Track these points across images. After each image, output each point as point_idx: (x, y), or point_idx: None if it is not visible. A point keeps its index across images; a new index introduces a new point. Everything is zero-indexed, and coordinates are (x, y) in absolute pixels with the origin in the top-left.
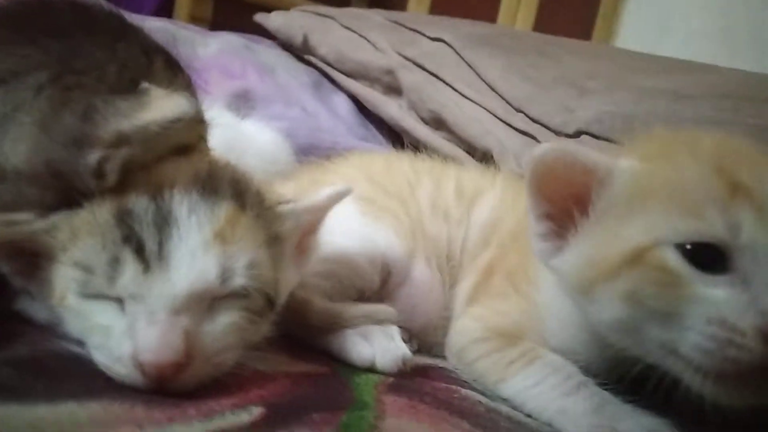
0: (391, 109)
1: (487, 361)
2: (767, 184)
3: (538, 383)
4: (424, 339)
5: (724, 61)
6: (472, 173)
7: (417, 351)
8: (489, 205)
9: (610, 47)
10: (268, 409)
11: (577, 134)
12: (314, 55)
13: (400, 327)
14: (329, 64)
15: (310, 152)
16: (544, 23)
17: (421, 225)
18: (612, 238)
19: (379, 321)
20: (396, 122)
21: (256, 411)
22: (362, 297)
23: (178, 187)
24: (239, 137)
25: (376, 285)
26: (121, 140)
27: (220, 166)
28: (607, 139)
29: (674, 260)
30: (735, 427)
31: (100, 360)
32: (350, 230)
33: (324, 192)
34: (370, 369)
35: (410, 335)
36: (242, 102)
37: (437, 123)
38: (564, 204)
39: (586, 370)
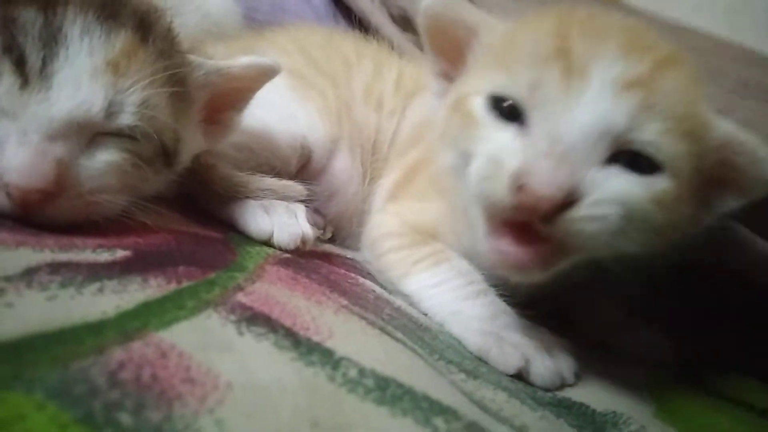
0: (363, 1)
1: (396, 255)
2: (592, 52)
3: (440, 284)
4: (338, 227)
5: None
6: (417, 69)
7: (331, 240)
8: (428, 103)
9: None
10: (135, 254)
11: None
12: None
13: (315, 211)
14: None
15: (266, 24)
16: None
17: (349, 110)
18: (464, 80)
19: (286, 197)
20: (365, 16)
21: (121, 254)
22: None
23: (74, 4)
24: None
25: (292, 167)
26: None
27: None
28: None
29: (478, 106)
30: None
31: None
32: (273, 104)
33: (243, 59)
34: (267, 243)
35: (326, 222)
36: None
37: (406, 23)
38: (453, 61)
39: (490, 282)
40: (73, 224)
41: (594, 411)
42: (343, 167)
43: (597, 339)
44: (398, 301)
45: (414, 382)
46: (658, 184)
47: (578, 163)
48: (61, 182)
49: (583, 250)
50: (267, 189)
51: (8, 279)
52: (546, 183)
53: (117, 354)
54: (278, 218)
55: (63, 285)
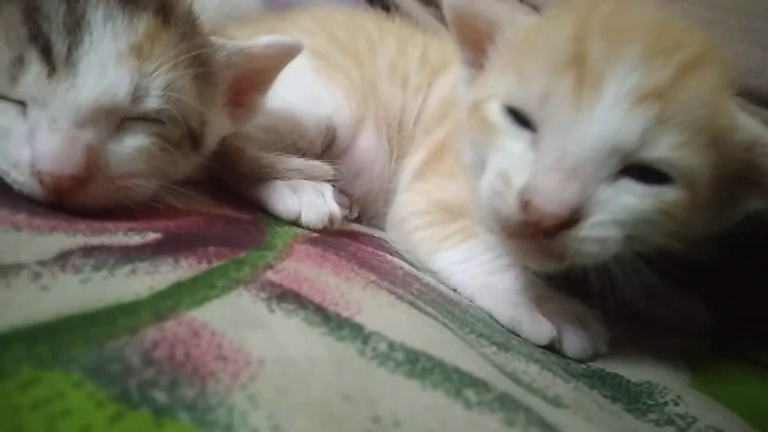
0: None
1: (424, 233)
2: (608, 59)
3: (468, 259)
4: (364, 207)
5: None
6: (442, 44)
7: (357, 220)
8: (453, 79)
9: None
10: (166, 236)
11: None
12: None
13: (341, 191)
14: None
15: (287, 8)
16: None
17: (374, 88)
18: (479, 86)
19: (313, 177)
20: None
21: (151, 236)
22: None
23: None
24: None
25: (318, 148)
26: None
27: None
28: None
29: (494, 113)
30: None
31: None
32: (299, 85)
33: (264, 38)
34: (296, 223)
35: (351, 201)
36: None
37: None
38: (478, 51)
39: None
40: (104, 209)
41: (629, 381)
42: (368, 146)
43: (630, 309)
44: (427, 277)
45: (444, 355)
46: (670, 195)
47: (586, 180)
48: (92, 168)
49: (584, 261)
50: (294, 169)
51: (43, 263)
52: (550, 200)
53: (150, 333)
54: (306, 198)
55: (96, 267)
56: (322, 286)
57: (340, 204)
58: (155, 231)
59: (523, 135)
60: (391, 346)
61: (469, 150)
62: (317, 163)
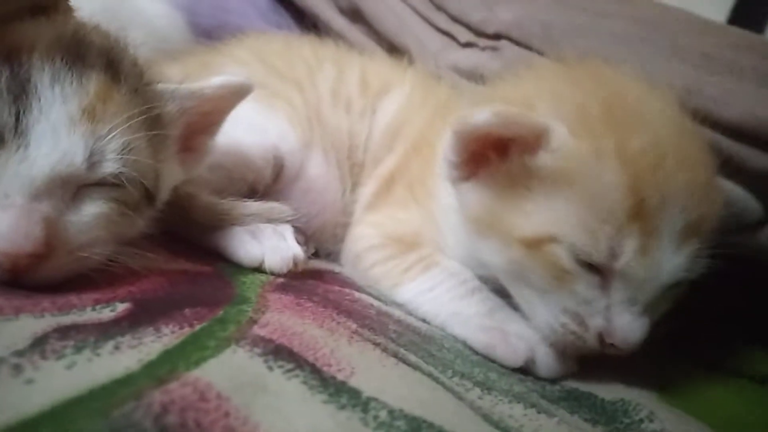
0: None
1: (383, 267)
2: (662, 209)
3: (434, 287)
4: (321, 241)
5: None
6: (380, 65)
7: (314, 255)
8: (396, 103)
9: None
10: (135, 305)
11: (496, 36)
12: None
13: (296, 228)
14: None
15: (214, 35)
16: None
17: (318, 114)
18: (520, 203)
19: (271, 219)
20: (310, 10)
21: (121, 307)
22: (254, 193)
23: (39, 51)
24: (123, 4)
25: (267, 179)
26: None
27: (88, 29)
28: (526, 46)
29: (566, 260)
30: None
31: None
32: (240, 118)
33: (215, 79)
34: (259, 269)
35: (306, 238)
36: None
37: (355, 15)
38: (483, 146)
39: (481, 279)
40: (63, 281)
41: (603, 400)
42: (318, 172)
43: None
44: (397, 312)
45: (443, 421)
46: None
47: (650, 312)
48: (51, 242)
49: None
50: (252, 214)
51: (20, 353)
52: (627, 340)
53: (157, 396)
54: (267, 242)
55: (78, 349)
56: (310, 341)
57: (298, 242)
58: (122, 301)
59: (593, 280)
60: (391, 413)
61: (509, 266)
62: (275, 204)
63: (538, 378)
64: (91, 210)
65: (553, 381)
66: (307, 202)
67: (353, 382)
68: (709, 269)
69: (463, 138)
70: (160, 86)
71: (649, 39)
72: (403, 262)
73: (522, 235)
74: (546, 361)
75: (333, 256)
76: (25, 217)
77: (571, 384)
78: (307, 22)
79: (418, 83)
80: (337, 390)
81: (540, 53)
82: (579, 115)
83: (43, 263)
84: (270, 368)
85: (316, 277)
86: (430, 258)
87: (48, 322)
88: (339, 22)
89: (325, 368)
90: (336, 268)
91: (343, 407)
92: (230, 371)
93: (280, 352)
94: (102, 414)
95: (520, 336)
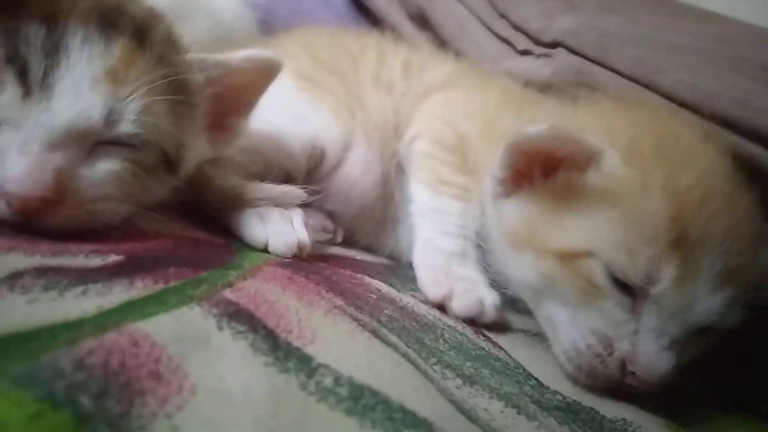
0: (380, 1)
1: (433, 162)
2: (708, 250)
3: (440, 211)
4: (357, 229)
5: None
6: (422, 51)
7: (344, 244)
8: (442, 71)
9: None
10: (127, 258)
11: (553, 44)
12: None
13: (331, 216)
14: None
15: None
16: None
17: (360, 101)
18: (561, 219)
19: (283, 203)
20: (383, 15)
21: (112, 259)
22: (292, 180)
23: (76, 15)
24: None
25: (302, 168)
26: None
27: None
28: (580, 54)
29: (599, 276)
30: None
31: None
32: (284, 107)
33: (242, 52)
34: (265, 251)
35: (336, 226)
36: None
37: (422, 21)
38: (530, 163)
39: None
40: (73, 231)
41: (603, 417)
42: (358, 157)
43: None
44: (405, 299)
45: (391, 391)
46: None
47: (678, 352)
48: (61, 191)
49: None
50: (263, 198)
51: None
52: (650, 375)
53: (88, 344)
54: (272, 227)
55: (46, 288)
56: (280, 310)
57: (322, 228)
58: (118, 254)
59: (626, 301)
60: (337, 380)
61: (539, 279)
62: (289, 188)
63: (538, 381)
64: (105, 167)
65: (555, 391)
66: (348, 186)
67: (309, 350)
68: (744, 319)
69: (515, 151)
70: (189, 55)
71: (709, 50)
72: (450, 177)
73: (558, 247)
74: (462, 299)
75: (371, 245)
76: (39, 164)
77: (574, 396)
78: (384, 28)
79: (463, 70)
80: (286, 355)
81: (593, 61)
82: (631, 147)
83: (53, 210)
84: (220, 328)
85: (329, 261)
86: (467, 194)
87: (33, 261)
88: (407, 27)
89: (283, 334)
90: (358, 256)
91: (286, 370)
92: (176, 326)
93: (238, 315)
94: (33, 356)
95: (454, 276)
